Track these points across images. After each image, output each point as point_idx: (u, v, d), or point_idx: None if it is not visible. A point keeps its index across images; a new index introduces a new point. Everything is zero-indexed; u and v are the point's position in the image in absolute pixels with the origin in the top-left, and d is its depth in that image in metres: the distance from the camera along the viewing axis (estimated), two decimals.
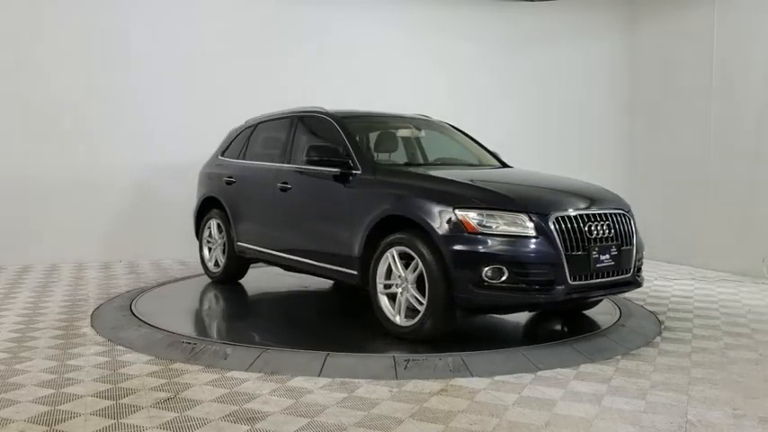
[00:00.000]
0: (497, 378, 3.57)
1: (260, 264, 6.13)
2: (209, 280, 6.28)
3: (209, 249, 6.26)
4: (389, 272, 4.23)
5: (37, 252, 7.39)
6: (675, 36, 8.27)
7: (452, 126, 5.91)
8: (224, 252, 6.02)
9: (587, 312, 5.05)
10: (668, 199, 7.97)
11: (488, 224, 3.88)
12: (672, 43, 8.33)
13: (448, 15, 8.84)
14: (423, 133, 5.59)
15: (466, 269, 3.84)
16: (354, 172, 4.60)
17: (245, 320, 5.09)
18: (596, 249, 4.06)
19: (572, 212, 4.07)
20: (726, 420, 3.02)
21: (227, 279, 6.12)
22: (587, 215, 4.13)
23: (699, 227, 7.78)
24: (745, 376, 3.67)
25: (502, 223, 3.90)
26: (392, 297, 4.23)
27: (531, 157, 8.07)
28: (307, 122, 5.44)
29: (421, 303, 4.01)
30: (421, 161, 5.38)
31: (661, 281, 6.70)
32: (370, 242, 4.34)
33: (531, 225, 3.90)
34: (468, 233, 3.85)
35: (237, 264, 6.01)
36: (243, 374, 3.61)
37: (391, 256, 4.17)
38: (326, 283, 6.01)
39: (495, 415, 3.06)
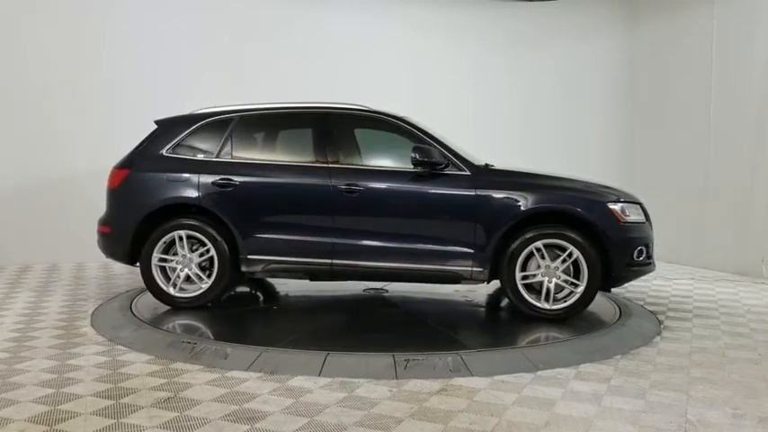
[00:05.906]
0: (497, 378, 3.58)
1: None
2: None
3: (165, 270, 5.07)
4: (523, 264, 4.72)
5: (37, 252, 7.39)
6: (675, 36, 8.28)
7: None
8: (206, 270, 5.02)
9: (587, 312, 5.05)
10: (667, 198, 7.98)
11: (628, 215, 4.71)
12: (672, 43, 8.34)
13: (447, 15, 8.84)
14: None
15: (624, 253, 4.67)
16: (454, 172, 4.80)
17: (245, 320, 5.08)
18: None
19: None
20: (725, 420, 3.03)
21: (203, 304, 5.03)
22: None
23: (698, 227, 7.78)
24: (744, 376, 3.68)
25: (633, 213, 4.76)
26: (527, 287, 4.72)
27: (530, 156, 8.09)
28: (354, 122, 5.22)
29: (577, 286, 4.64)
30: None
31: (660, 280, 6.70)
32: (504, 239, 4.72)
33: (643, 213, 4.87)
34: (621, 223, 4.66)
35: (228, 284, 5.10)
36: (243, 374, 3.61)
37: (535, 249, 4.67)
38: (326, 284, 6.00)
39: (494, 415, 3.06)
